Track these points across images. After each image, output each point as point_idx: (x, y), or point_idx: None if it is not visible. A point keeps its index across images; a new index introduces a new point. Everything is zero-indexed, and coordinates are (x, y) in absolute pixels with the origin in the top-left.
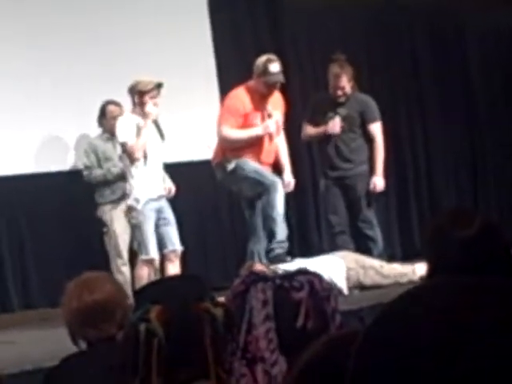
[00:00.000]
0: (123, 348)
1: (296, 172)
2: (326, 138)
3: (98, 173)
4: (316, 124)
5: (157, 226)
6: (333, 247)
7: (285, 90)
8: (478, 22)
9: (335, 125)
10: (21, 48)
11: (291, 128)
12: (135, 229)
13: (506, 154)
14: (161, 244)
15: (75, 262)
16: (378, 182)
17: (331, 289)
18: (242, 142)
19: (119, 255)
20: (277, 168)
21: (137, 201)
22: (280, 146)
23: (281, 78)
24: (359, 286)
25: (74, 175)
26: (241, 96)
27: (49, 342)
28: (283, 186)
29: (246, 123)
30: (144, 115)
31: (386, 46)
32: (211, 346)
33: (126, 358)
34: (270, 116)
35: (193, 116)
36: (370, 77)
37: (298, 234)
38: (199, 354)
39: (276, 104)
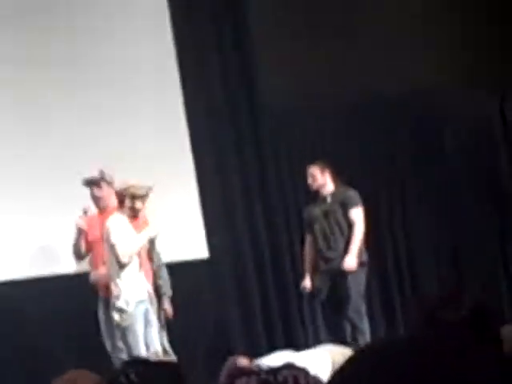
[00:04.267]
0: None
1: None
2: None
3: None
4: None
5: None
6: (318, 339)
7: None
8: (458, 113)
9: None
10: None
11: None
12: (125, 331)
13: (485, 238)
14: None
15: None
16: (349, 261)
17: (318, 382)
18: None
19: None
20: None
21: (127, 303)
22: None
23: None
24: None
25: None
26: None
27: None
28: None
29: None
30: (145, 228)
31: (365, 138)
32: None
33: None
34: None
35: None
36: (350, 168)
37: (281, 328)
38: None
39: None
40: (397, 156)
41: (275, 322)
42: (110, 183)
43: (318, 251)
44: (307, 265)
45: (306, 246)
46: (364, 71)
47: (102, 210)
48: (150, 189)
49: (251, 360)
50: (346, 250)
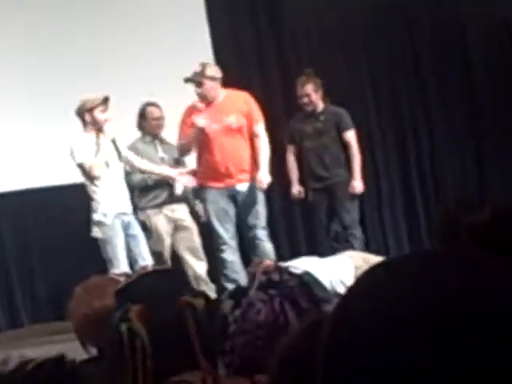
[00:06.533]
0: (109, 350)
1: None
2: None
3: (137, 178)
4: (297, 143)
5: (126, 243)
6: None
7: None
8: (480, 14)
9: None
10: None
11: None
12: (104, 244)
13: (509, 144)
14: (131, 260)
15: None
16: (357, 185)
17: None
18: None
19: (162, 258)
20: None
21: (105, 215)
22: (258, 148)
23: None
24: None
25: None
26: None
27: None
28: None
29: None
30: (101, 134)
31: (386, 45)
32: (197, 337)
33: (114, 361)
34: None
35: None
36: (370, 74)
37: (305, 233)
38: (185, 348)
39: (231, 108)
40: (418, 56)
41: (298, 231)
42: (211, 77)
43: (308, 169)
44: (294, 173)
45: (288, 157)
46: None
47: (210, 103)
48: (105, 98)
49: (275, 263)
50: (350, 173)
